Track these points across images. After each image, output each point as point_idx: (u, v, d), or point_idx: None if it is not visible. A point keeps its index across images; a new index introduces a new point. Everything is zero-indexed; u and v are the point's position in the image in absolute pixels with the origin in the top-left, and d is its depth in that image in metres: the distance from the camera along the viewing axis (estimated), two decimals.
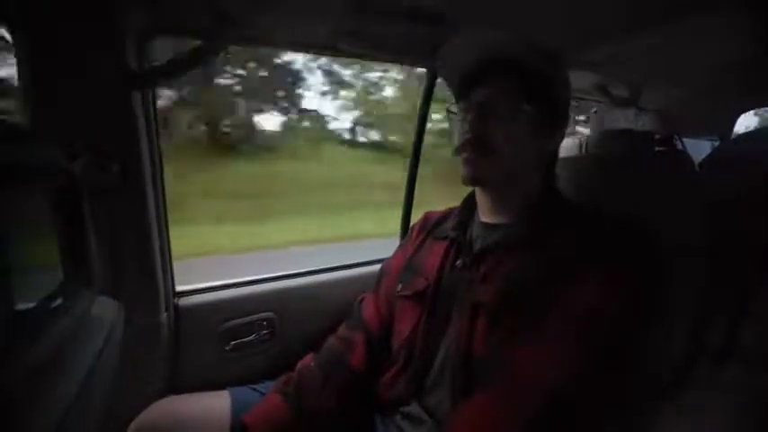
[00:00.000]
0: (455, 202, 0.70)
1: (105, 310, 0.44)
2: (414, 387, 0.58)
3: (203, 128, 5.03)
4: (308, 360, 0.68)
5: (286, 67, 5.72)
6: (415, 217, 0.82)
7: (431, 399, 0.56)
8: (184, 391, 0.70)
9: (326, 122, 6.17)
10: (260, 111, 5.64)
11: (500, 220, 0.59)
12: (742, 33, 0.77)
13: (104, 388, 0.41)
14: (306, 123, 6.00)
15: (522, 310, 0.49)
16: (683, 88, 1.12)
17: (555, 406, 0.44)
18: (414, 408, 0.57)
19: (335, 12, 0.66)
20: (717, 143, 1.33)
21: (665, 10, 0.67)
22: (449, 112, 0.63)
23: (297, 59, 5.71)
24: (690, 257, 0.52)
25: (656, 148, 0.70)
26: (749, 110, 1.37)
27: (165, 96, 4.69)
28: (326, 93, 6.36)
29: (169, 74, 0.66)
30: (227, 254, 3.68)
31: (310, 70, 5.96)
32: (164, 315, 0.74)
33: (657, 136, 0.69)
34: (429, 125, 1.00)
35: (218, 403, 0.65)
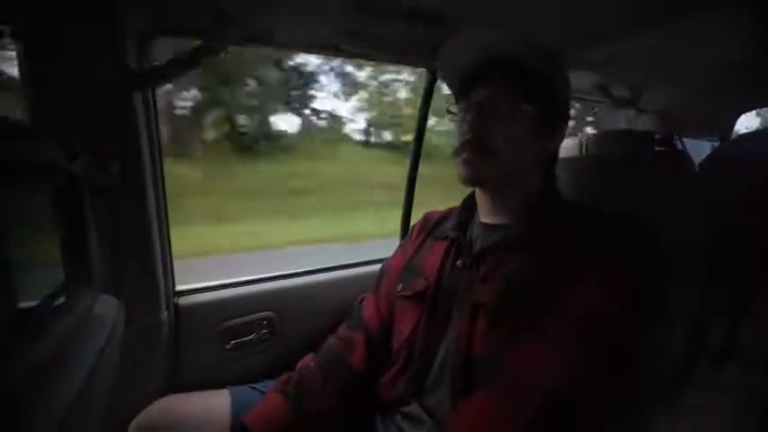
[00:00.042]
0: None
1: (107, 308, 0.44)
2: (414, 387, 0.58)
3: (227, 128, 5.18)
4: (308, 360, 0.68)
5: (299, 69, 5.82)
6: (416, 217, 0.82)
7: (431, 399, 0.56)
8: (184, 389, 0.70)
9: (342, 124, 6.29)
10: (277, 112, 5.79)
11: (500, 221, 0.59)
12: (742, 33, 0.77)
13: (106, 386, 0.42)
14: (321, 124, 6.12)
15: (523, 310, 0.49)
16: (683, 88, 1.12)
17: (555, 406, 0.44)
18: (414, 408, 0.57)
19: (335, 12, 0.66)
20: (717, 143, 1.33)
21: (665, 10, 0.67)
22: (448, 112, 0.63)
23: (310, 61, 5.81)
24: (690, 258, 0.52)
25: (657, 149, 0.70)
26: (749, 110, 1.37)
27: (192, 98, 4.90)
28: (341, 94, 6.47)
29: (169, 74, 0.66)
30: (272, 249, 3.93)
31: (324, 72, 6.07)
32: (164, 314, 0.74)
33: (657, 136, 0.69)
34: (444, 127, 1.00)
35: (218, 402, 0.65)
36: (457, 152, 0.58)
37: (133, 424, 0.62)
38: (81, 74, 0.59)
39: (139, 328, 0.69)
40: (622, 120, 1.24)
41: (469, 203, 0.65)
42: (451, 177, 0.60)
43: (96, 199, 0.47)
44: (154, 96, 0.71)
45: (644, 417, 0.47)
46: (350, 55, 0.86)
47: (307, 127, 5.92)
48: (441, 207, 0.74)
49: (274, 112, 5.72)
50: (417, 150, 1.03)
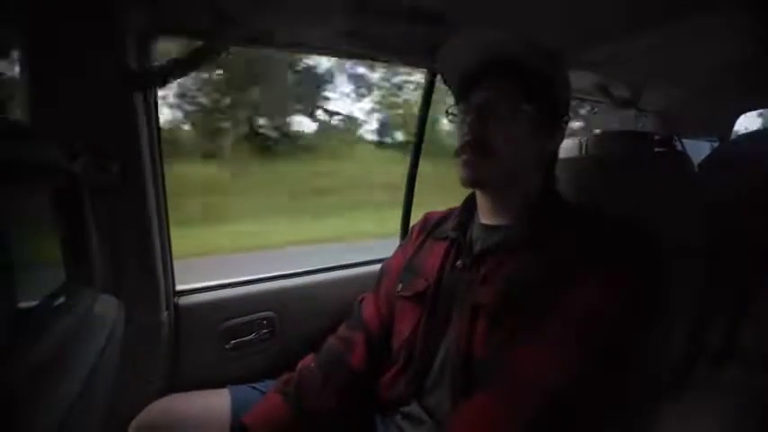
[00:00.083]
0: None
1: (107, 308, 0.44)
2: (414, 387, 0.58)
3: (251, 129, 5.36)
4: (308, 360, 0.68)
5: (313, 71, 5.95)
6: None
7: (431, 399, 0.56)
8: (184, 389, 0.70)
9: (357, 125, 6.43)
10: (296, 113, 5.92)
11: (500, 222, 0.59)
12: (742, 33, 0.77)
13: (106, 386, 0.42)
14: (336, 125, 6.26)
15: (523, 311, 0.49)
16: (683, 88, 1.12)
17: (555, 407, 0.45)
18: (414, 408, 0.57)
19: (335, 12, 0.66)
20: (716, 144, 1.33)
21: (665, 10, 0.67)
22: (448, 114, 0.63)
23: (324, 63, 5.95)
24: (689, 258, 0.52)
25: (656, 150, 0.70)
26: (749, 110, 1.37)
27: (217, 99, 5.07)
28: (354, 96, 6.59)
29: (170, 74, 0.66)
30: (318, 244, 4.06)
31: (338, 74, 6.19)
32: (164, 314, 0.74)
33: (657, 137, 0.69)
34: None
35: (218, 402, 0.66)
36: (457, 153, 0.58)
37: (133, 423, 0.62)
38: (81, 74, 0.59)
39: (139, 328, 0.69)
40: (618, 120, 1.24)
41: (469, 204, 0.65)
42: None
43: (96, 199, 0.47)
44: (154, 96, 0.71)
45: (644, 417, 0.47)
46: (350, 55, 0.86)
47: (323, 128, 6.06)
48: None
49: (293, 113, 5.88)
50: (417, 151, 1.03)
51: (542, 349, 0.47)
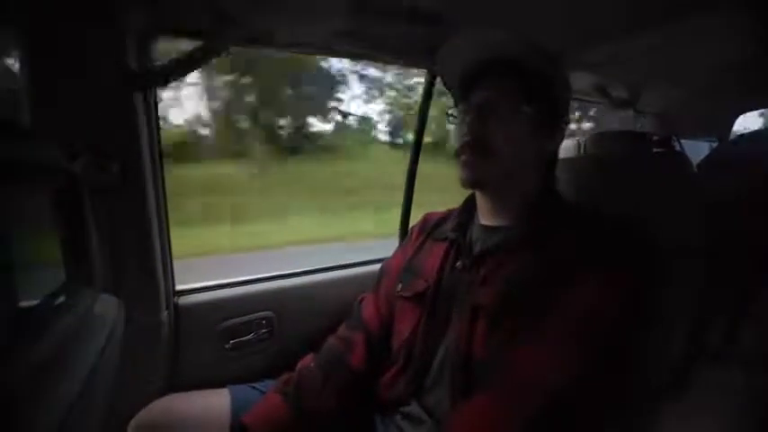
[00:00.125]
0: None
1: (107, 308, 0.44)
2: (413, 387, 0.58)
3: (274, 129, 5.52)
4: (308, 360, 0.68)
5: (329, 73, 6.06)
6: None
7: (430, 399, 0.56)
8: (184, 389, 0.70)
9: (372, 125, 6.53)
10: (314, 114, 6.06)
11: (500, 223, 0.59)
12: (742, 33, 0.77)
13: (107, 386, 0.42)
14: (351, 125, 6.38)
15: (522, 311, 0.49)
16: (683, 89, 1.12)
17: (555, 407, 0.45)
18: (413, 407, 0.57)
19: (335, 12, 0.66)
20: (714, 144, 1.33)
21: (665, 10, 0.67)
22: (448, 115, 0.63)
23: (336, 64, 6.05)
24: (689, 258, 0.52)
25: (654, 150, 0.70)
26: (749, 110, 1.37)
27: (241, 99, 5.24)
28: (368, 97, 6.71)
29: (170, 74, 0.66)
30: (347, 242, 4.17)
31: (352, 75, 6.30)
32: (164, 313, 0.74)
33: (655, 137, 0.69)
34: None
35: (217, 401, 0.66)
36: (457, 154, 0.58)
37: (133, 423, 0.62)
38: (81, 74, 0.59)
39: (139, 328, 0.69)
40: (629, 121, 1.23)
41: (469, 205, 0.65)
42: None
43: (96, 199, 0.47)
44: (154, 96, 0.71)
45: (643, 417, 0.47)
46: (350, 55, 0.86)
47: (339, 129, 6.20)
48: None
49: (312, 114, 6.02)
50: (416, 151, 1.03)
51: (542, 349, 0.47)
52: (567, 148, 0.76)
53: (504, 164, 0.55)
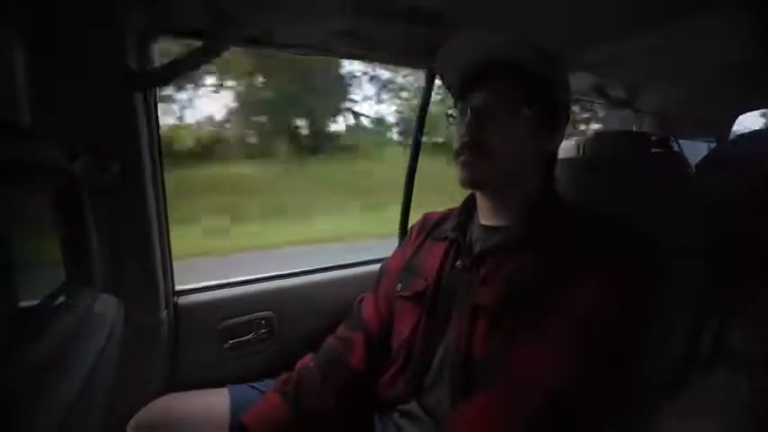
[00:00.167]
0: None
1: (107, 307, 0.44)
2: (413, 386, 0.58)
3: (296, 130, 5.71)
4: (307, 360, 0.68)
5: (341, 73, 6.18)
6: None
7: (429, 398, 0.56)
8: (183, 388, 0.70)
9: (385, 126, 6.68)
10: (332, 115, 6.23)
11: (500, 223, 0.59)
12: (742, 33, 0.77)
13: (106, 385, 0.42)
14: (366, 127, 6.52)
15: (523, 311, 0.49)
16: (683, 89, 1.11)
17: (555, 407, 0.45)
18: (412, 407, 0.57)
19: (335, 12, 0.66)
20: (713, 145, 1.33)
21: (665, 10, 0.67)
22: (447, 116, 0.63)
23: (348, 66, 6.15)
24: (688, 259, 0.52)
25: (653, 150, 0.70)
26: (748, 111, 1.37)
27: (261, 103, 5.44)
28: (379, 99, 6.84)
29: (170, 75, 0.66)
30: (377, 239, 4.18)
31: (363, 77, 6.42)
32: (163, 313, 0.74)
33: (654, 138, 0.69)
34: None
35: (217, 401, 0.66)
36: (456, 154, 0.58)
37: (132, 422, 0.62)
38: (81, 74, 0.59)
39: (139, 328, 0.69)
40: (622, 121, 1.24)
41: (469, 205, 0.65)
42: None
43: (96, 199, 0.48)
44: (154, 96, 0.71)
45: (644, 417, 0.47)
46: (349, 55, 0.86)
47: (354, 129, 6.35)
48: None
49: (330, 115, 6.19)
50: (416, 150, 1.03)
51: (542, 349, 0.47)
52: (566, 148, 0.76)
53: (504, 164, 0.55)
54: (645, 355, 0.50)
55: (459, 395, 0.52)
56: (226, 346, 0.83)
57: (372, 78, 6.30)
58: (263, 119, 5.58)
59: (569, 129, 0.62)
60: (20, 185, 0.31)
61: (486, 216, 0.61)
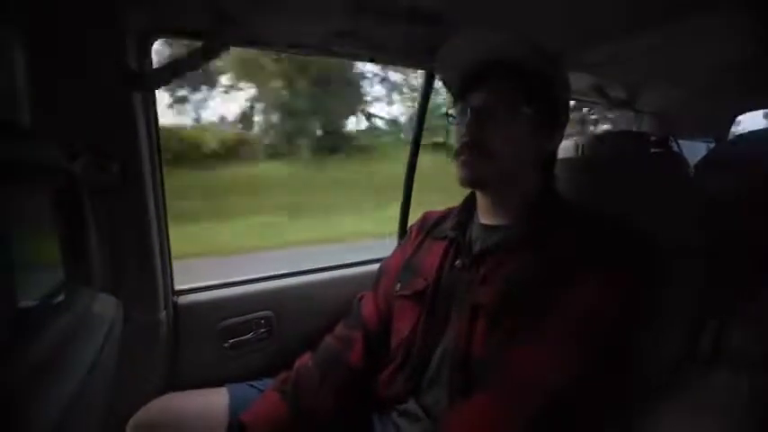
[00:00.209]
0: None
1: (106, 307, 0.44)
2: (411, 385, 0.58)
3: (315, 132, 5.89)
4: (306, 359, 0.68)
5: (353, 75, 6.29)
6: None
7: (428, 397, 0.56)
8: (183, 388, 0.70)
9: (398, 127, 6.72)
10: (346, 116, 6.35)
11: (499, 222, 0.59)
12: (742, 33, 0.77)
13: (105, 385, 0.42)
14: (380, 127, 6.65)
15: (522, 311, 0.49)
16: (683, 89, 1.11)
17: (554, 407, 0.45)
18: (411, 405, 0.57)
19: (335, 12, 0.66)
20: (712, 145, 1.33)
21: (665, 10, 0.67)
22: (447, 116, 0.63)
23: (359, 67, 6.30)
24: (688, 259, 0.52)
25: (652, 150, 0.70)
26: (748, 111, 1.36)
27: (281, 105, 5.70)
28: (391, 100, 6.95)
29: (170, 75, 0.66)
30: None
31: (375, 78, 6.53)
32: (163, 313, 0.74)
33: (653, 138, 0.69)
34: None
35: (216, 400, 0.66)
36: (456, 154, 0.58)
37: (131, 422, 0.62)
38: (81, 74, 0.59)
39: (138, 327, 0.69)
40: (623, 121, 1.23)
41: (469, 204, 0.65)
42: None
43: (96, 199, 0.48)
44: (154, 97, 0.71)
45: (644, 417, 0.47)
46: (349, 56, 0.86)
47: (369, 130, 6.49)
48: None
49: (345, 116, 6.32)
50: (415, 150, 1.03)
51: (542, 349, 0.47)
52: (565, 148, 0.76)
53: (504, 164, 0.55)
54: (645, 355, 0.50)
55: (457, 394, 0.52)
56: (225, 345, 0.83)
57: (383, 80, 6.42)
58: (280, 120, 5.75)
59: (569, 129, 0.62)
60: (20, 185, 0.31)
61: (485, 215, 0.61)
